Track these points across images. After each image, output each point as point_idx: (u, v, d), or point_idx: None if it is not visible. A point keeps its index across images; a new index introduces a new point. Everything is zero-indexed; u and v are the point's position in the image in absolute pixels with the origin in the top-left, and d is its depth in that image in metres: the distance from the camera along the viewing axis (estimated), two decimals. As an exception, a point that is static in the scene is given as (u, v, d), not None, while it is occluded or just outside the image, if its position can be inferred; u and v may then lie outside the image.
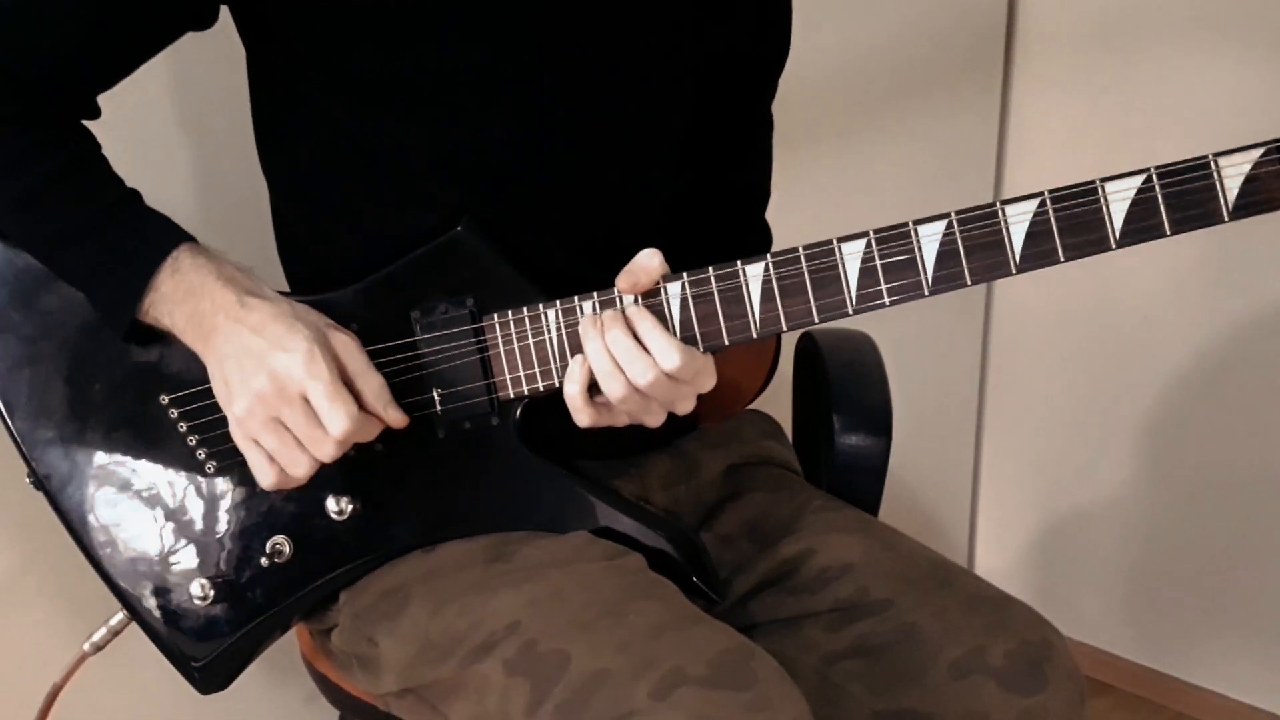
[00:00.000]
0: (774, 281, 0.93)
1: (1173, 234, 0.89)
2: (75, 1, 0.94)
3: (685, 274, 0.94)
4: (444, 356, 0.98)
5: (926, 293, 0.91)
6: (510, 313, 0.97)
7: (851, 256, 0.92)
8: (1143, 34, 1.88)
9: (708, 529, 1.12)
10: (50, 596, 1.35)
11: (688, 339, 0.94)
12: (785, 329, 0.94)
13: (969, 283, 0.91)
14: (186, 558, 1.01)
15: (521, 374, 0.98)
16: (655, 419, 0.96)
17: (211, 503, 1.01)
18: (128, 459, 1.01)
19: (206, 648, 1.02)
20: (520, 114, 0.99)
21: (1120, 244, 0.89)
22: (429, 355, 0.98)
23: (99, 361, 1.00)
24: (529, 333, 0.97)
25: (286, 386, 0.91)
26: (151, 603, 1.02)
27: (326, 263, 1.04)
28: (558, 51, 0.99)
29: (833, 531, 1.08)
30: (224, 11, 1.00)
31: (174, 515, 1.01)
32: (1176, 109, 1.85)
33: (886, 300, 0.92)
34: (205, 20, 1.00)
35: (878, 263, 0.92)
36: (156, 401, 1.00)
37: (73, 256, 0.97)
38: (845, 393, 1.25)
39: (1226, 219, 0.88)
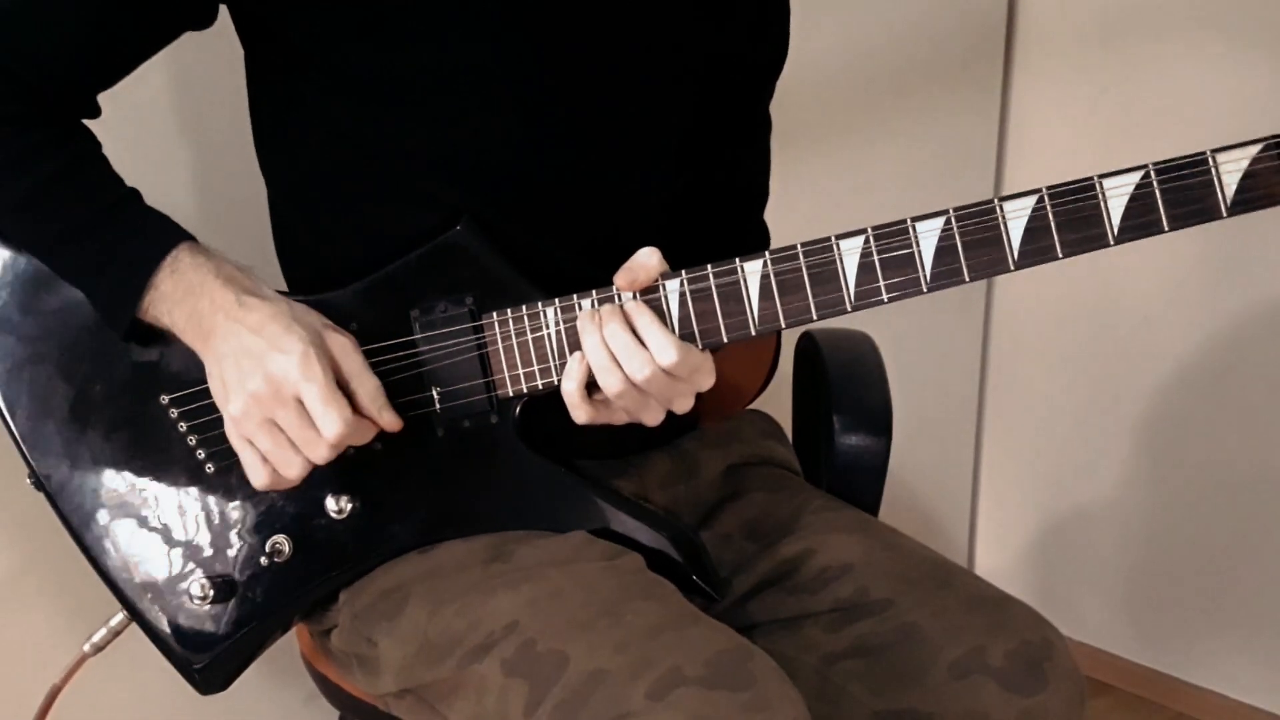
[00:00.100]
0: (772, 279, 0.93)
1: (1171, 230, 0.89)
2: (75, 2, 0.94)
3: (684, 271, 0.94)
4: (443, 355, 0.98)
5: (925, 289, 0.91)
6: (509, 311, 0.97)
7: (850, 253, 0.92)
8: (1143, 33, 1.88)
9: (707, 529, 1.12)
10: (50, 597, 1.35)
11: (686, 336, 0.94)
12: (784, 326, 0.94)
13: (967, 279, 0.91)
14: (186, 558, 1.01)
15: (520, 372, 0.98)
16: (653, 417, 0.96)
17: (211, 503, 1.01)
18: (128, 459, 1.01)
19: (206, 648, 1.02)
20: (520, 114, 0.99)
21: (1119, 240, 0.89)
22: (428, 354, 0.98)
23: (99, 362, 1.00)
24: (528, 330, 0.97)
25: (281, 388, 0.91)
26: (151, 603, 1.02)
27: (325, 262, 1.04)
28: (558, 52, 0.99)
29: (833, 531, 1.08)
30: (223, 11, 1.00)
31: (174, 515, 1.01)
32: (1177, 108, 1.85)
33: (885, 297, 0.92)
34: (204, 20, 1.00)
35: (876, 259, 0.92)
36: (156, 402, 1.00)
37: (73, 255, 0.97)
38: (845, 393, 1.25)
39: (1225, 214, 0.88)
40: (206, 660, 1.03)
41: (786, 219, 1.21)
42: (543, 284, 0.98)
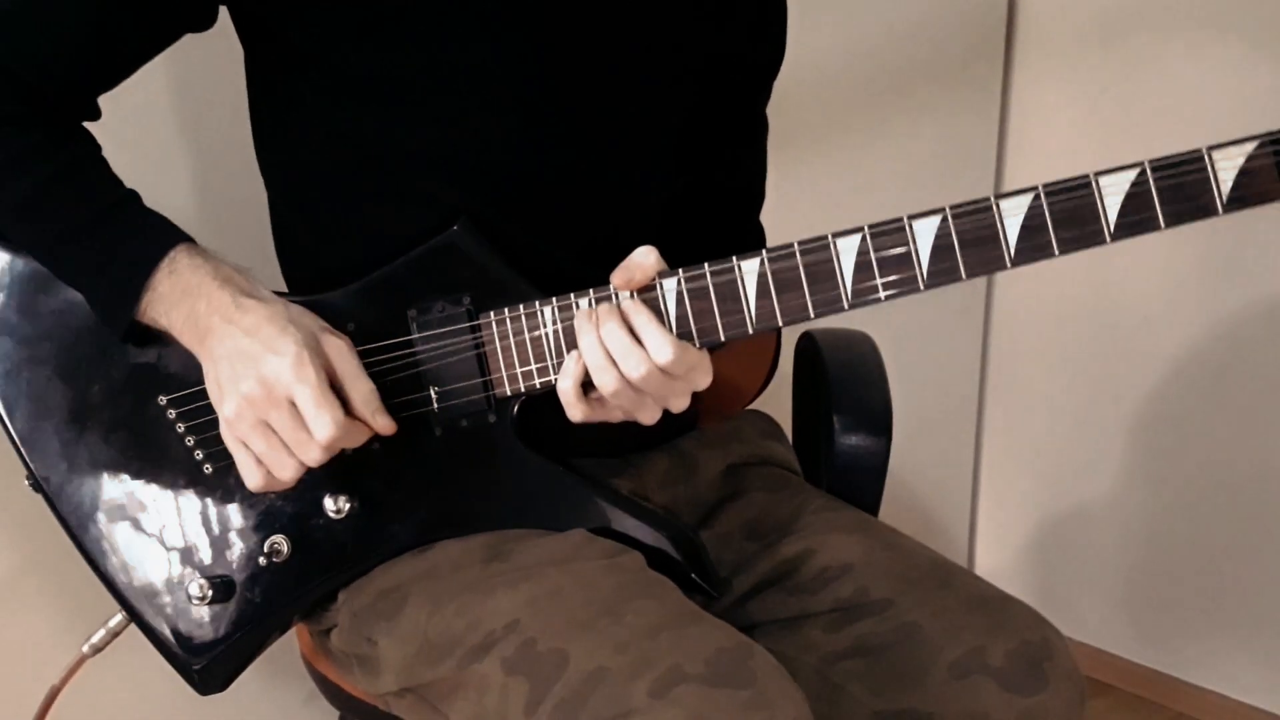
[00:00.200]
0: (769, 277, 0.93)
1: (1167, 227, 0.89)
2: (75, 3, 0.94)
3: (681, 270, 0.94)
4: (441, 354, 0.98)
5: (922, 287, 0.91)
6: (507, 310, 0.97)
7: (847, 251, 0.92)
8: (1143, 32, 1.88)
9: (707, 528, 1.12)
10: (49, 598, 1.35)
11: (684, 335, 0.94)
12: (781, 324, 0.94)
13: (964, 277, 0.91)
14: (185, 558, 1.01)
15: (518, 371, 0.98)
16: (649, 415, 0.96)
17: (209, 503, 1.01)
18: (126, 460, 1.01)
19: (206, 648, 1.02)
20: (519, 114, 0.99)
21: (1115, 237, 0.89)
22: (426, 353, 0.99)
23: (98, 363, 1.00)
24: (525, 329, 0.97)
25: (274, 390, 0.91)
26: (150, 604, 1.02)
27: (325, 262, 1.04)
28: (557, 52, 0.99)
29: (832, 531, 1.08)
30: (223, 12, 1.00)
31: (172, 516, 1.01)
32: (1177, 107, 1.85)
33: (882, 295, 0.92)
34: (204, 22, 1.00)
35: (873, 257, 0.91)
36: (155, 403, 1.00)
37: (72, 256, 0.97)
38: (845, 393, 1.25)
39: (1220, 212, 0.88)
40: (205, 661, 1.03)
41: (787, 219, 1.21)
42: (541, 284, 0.98)
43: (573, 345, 0.95)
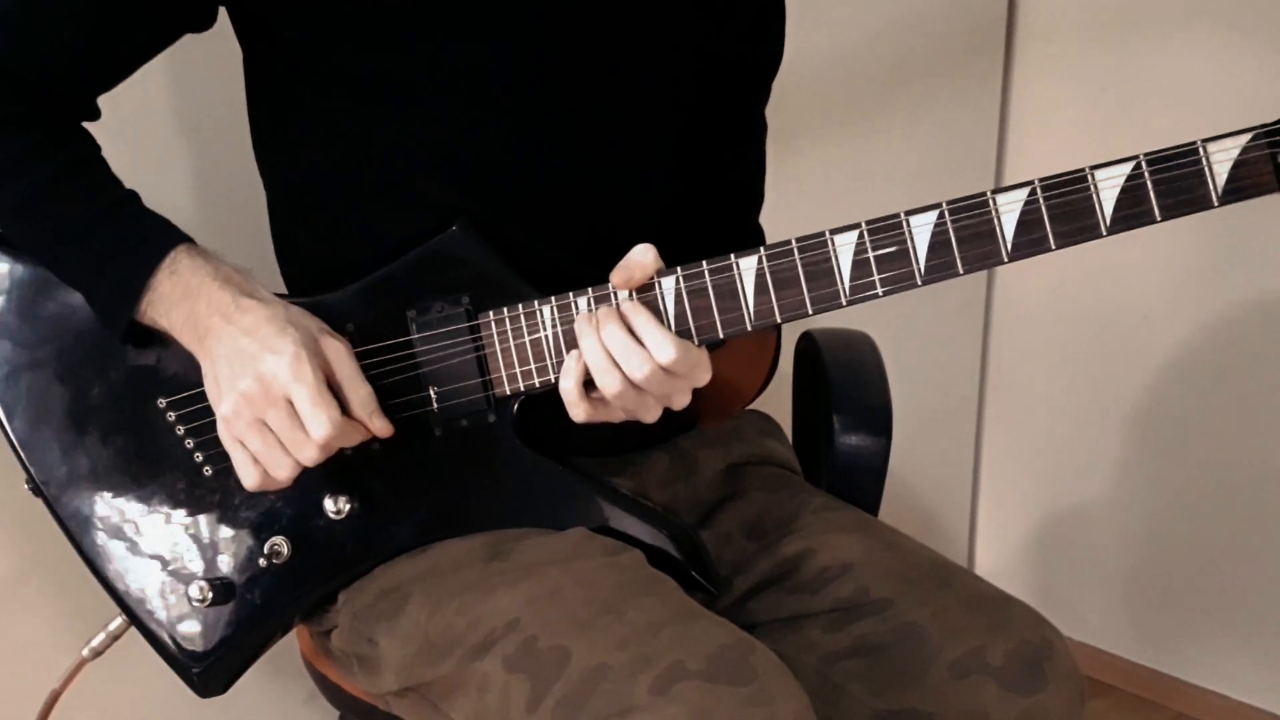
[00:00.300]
0: (768, 274, 0.93)
1: (1163, 220, 0.89)
2: (75, 4, 0.94)
3: (679, 268, 0.94)
4: (440, 355, 0.98)
5: (919, 283, 0.92)
6: (506, 310, 0.98)
7: (844, 248, 0.92)
8: (1142, 29, 1.88)
9: (707, 528, 1.12)
10: (49, 602, 1.35)
11: (683, 333, 0.94)
12: (780, 321, 0.94)
13: (961, 272, 0.91)
14: (184, 560, 1.01)
15: (518, 370, 0.98)
16: (651, 414, 0.96)
17: (209, 505, 1.01)
18: (126, 463, 1.01)
19: (206, 650, 1.02)
20: (518, 115, 0.99)
21: (1111, 231, 0.89)
22: (425, 354, 0.99)
23: (97, 366, 1.01)
24: (524, 329, 0.97)
25: (271, 388, 0.91)
26: (150, 606, 1.02)
27: (323, 263, 1.05)
28: (556, 52, 0.99)
29: (832, 531, 1.08)
30: (222, 12, 1.00)
31: (171, 518, 1.01)
32: (1177, 104, 1.85)
33: (880, 291, 0.92)
34: (204, 22, 1.00)
35: (870, 254, 0.92)
36: (154, 404, 1.00)
37: (71, 257, 0.97)
38: (845, 393, 1.25)
39: (1216, 204, 0.89)
40: (206, 663, 1.02)
41: (787, 217, 1.21)
42: (540, 284, 0.98)
43: (572, 344, 0.95)
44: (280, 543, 1.01)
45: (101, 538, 1.01)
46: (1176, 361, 1.96)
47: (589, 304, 0.96)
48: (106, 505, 1.01)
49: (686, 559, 1.01)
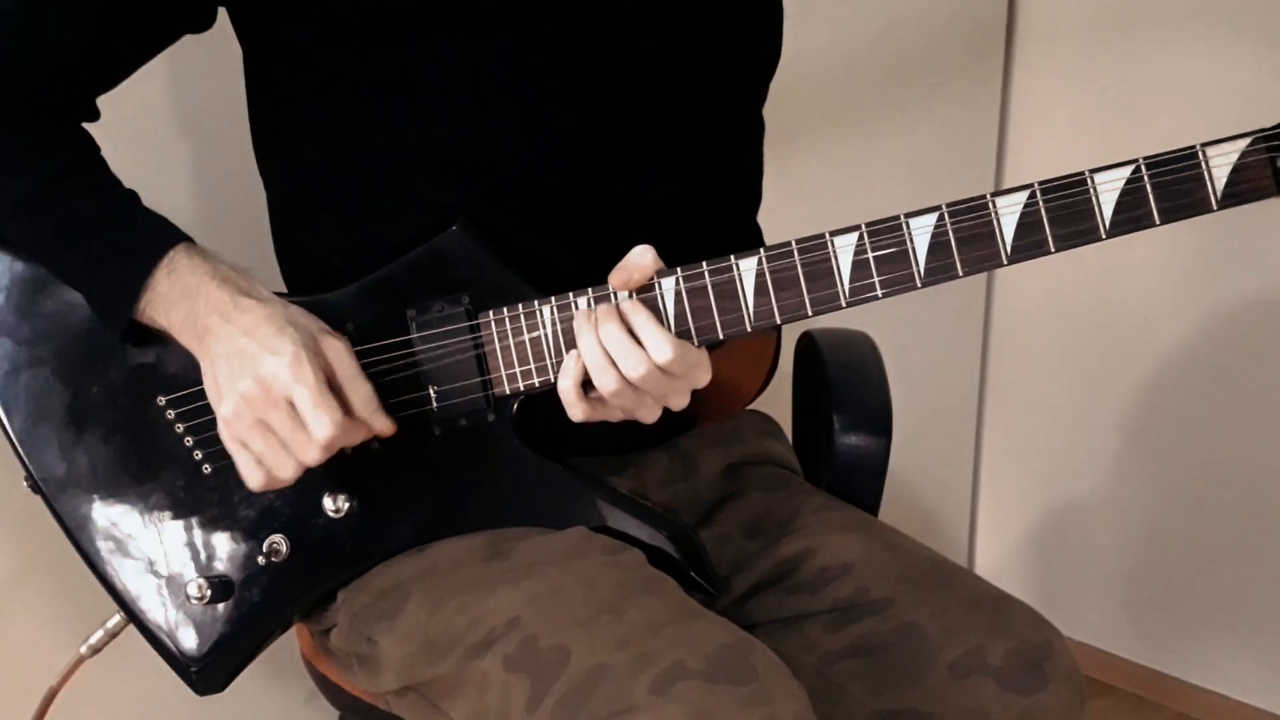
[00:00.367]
0: (767, 275, 0.93)
1: (1162, 223, 0.90)
2: (74, 4, 0.94)
3: (679, 269, 0.94)
4: (440, 354, 0.98)
5: (919, 284, 0.92)
6: (506, 309, 0.97)
7: (844, 249, 0.92)
8: (1143, 30, 1.88)
9: (706, 528, 1.12)
10: (47, 599, 1.35)
11: (682, 333, 0.94)
12: (779, 322, 0.94)
13: (960, 274, 0.92)
14: (183, 558, 1.01)
15: (517, 370, 0.98)
16: (649, 414, 0.96)
17: (208, 503, 1.01)
18: (125, 461, 1.01)
19: (204, 649, 1.02)
20: (518, 115, 0.99)
21: (1110, 234, 0.90)
22: (424, 353, 0.99)
23: (97, 365, 1.00)
24: (524, 329, 0.97)
25: (271, 389, 0.91)
26: (148, 604, 1.02)
27: (324, 263, 1.04)
28: (556, 53, 0.99)
29: (832, 531, 1.08)
30: (222, 13, 1.00)
31: (170, 516, 1.01)
32: (1177, 105, 1.85)
33: (879, 293, 0.92)
34: (203, 23, 1.00)
35: (870, 255, 0.92)
36: (154, 403, 1.00)
37: (71, 256, 0.97)
38: (845, 393, 1.25)
39: (1215, 207, 0.89)
40: (204, 661, 1.02)
41: (787, 217, 1.21)
42: (539, 284, 0.98)
43: (572, 344, 0.95)
44: (279, 541, 1.01)
45: (100, 535, 1.01)
46: (1176, 362, 1.96)
47: (589, 304, 0.96)
48: (105, 503, 1.01)
49: (686, 559, 1.01)
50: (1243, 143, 0.88)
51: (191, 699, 1.05)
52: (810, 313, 0.93)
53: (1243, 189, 0.88)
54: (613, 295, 0.95)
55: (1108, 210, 0.89)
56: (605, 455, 1.08)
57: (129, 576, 1.02)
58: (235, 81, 1.06)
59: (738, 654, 0.87)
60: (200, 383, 0.97)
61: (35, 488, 1.02)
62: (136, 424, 1.01)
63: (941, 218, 0.91)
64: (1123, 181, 0.89)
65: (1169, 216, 0.89)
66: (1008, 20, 2.02)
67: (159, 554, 1.01)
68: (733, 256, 0.93)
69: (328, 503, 1.00)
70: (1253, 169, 0.88)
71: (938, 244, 0.91)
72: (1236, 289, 1.87)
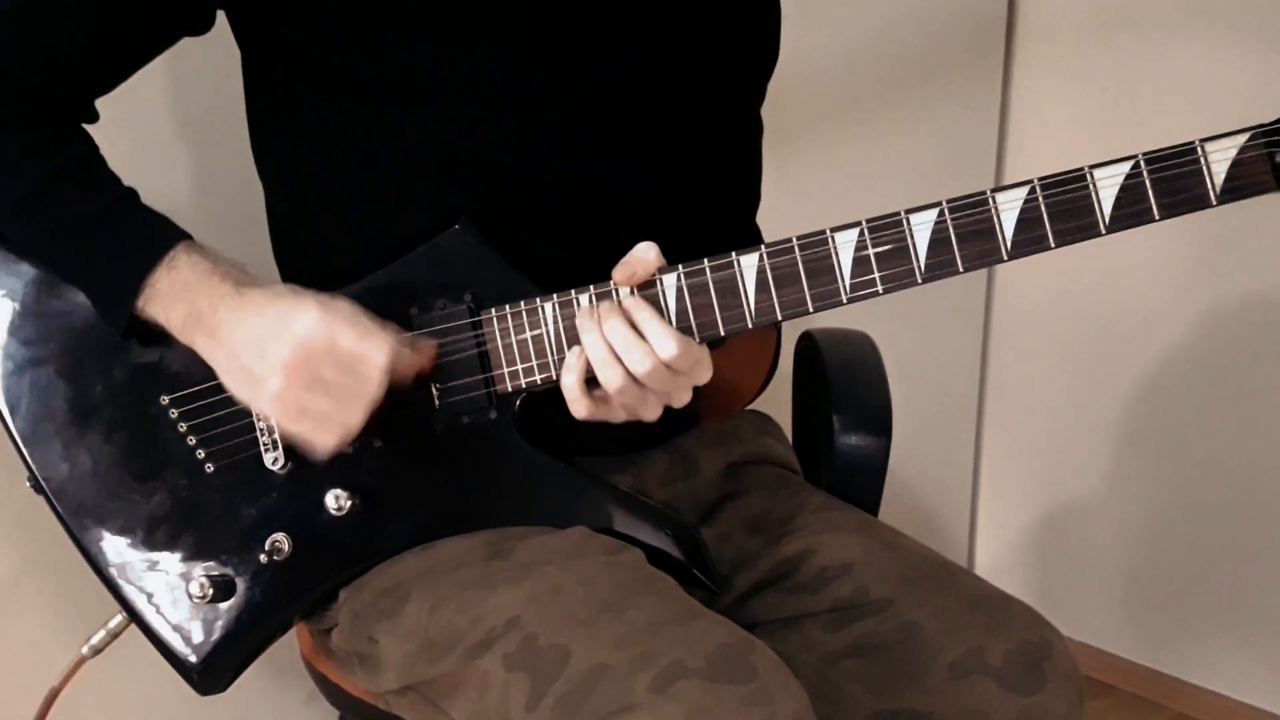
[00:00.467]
0: (768, 272, 0.94)
1: (1161, 219, 0.90)
2: (74, 6, 0.94)
3: (681, 265, 0.95)
4: (442, 351, 0.98)
5: (919, 280, 0.92)
6: (508, 307, 0.98)
7: (845, 246, 0.93)
8: (1143, 29, 1.89)
9: (707, 527, 1.12)
10: (49, 599, 1.35)
11: (684, 330, 0.94)
12: (780, 318, 0.94)
13: (961, 270, 0.92)
14: (185, 558, 1.01)
15: (519, 368, 0.98)
16: (651, 412, 0.96)
17: (209, 502, 1.01)
18: (127, 460, 1.01)
19: (206, 648, 1.02)
20: (518, 115, 0.99)
21: (1110, 229, 0.90)
22: (427, 351, 0.99)
23: (99, 364, 1.01)
24: (526, 326, 0.98)
25: (314, 343, 0.90)
26: (150, 604, 1.02)
27: (322, 263, 1.04)
28: (556, 54, 0.99)
29: (832, 531, 1.08)
30: (221, 15, 1.00)
31: (172, 516, 1.01)
32: (1177, 104, 1.86)
33: (880, 289, 0.93)
34: (202, 25, 1.00)
35: (870, 252, 0.92)
36: (157, 402, 1.00)
37: (71, 255, 0.97)
38: (845, 393, 1.25)
39: (1214, 203, 0.90)
40: (206, 661, 1.02)
41: (787, 217, 1.21)
42: (540, 284, 0.98)
43: (574, 342, 0.95)
44: (281, 540, 1.01)
45: (102, 535, 1.01)
46: (1176, 362, 1.96)
47: (591, 301, 0.96)
48: (108, 502, 1.01)
49: (687, 557, 1.01)
50: (1241, 138, 0.89)
51: (193, 699, 1.05)
52: (811, 309, 0.94)
53: (1242, 184, 0.89)
54: (615, 292, 0.95)
55: (1107, 205, 0.90)
56: (606, 454, 1.08)
57: (131, 576, 1.02)
58: (235, 82, 1.06)
59: (737, 653, 0.87)
60: (203, 381, 0.97)
61: (37, 487, 1.02)
62: (139, 423, 1.01)
63: (942, 214, 0.92)
64: (1122, 177, 0.90)
65: (1168, 212, 0.90)
66: (1008, 20, 2.02)
67: (161, 553, 1.01)
68: (734, 253, 0.94)
69: (330, 501, 1.00)
70: (1251, 164, 0.89)
71: (938, 240, 0.91)
72: (1236, 289, 1.87)
